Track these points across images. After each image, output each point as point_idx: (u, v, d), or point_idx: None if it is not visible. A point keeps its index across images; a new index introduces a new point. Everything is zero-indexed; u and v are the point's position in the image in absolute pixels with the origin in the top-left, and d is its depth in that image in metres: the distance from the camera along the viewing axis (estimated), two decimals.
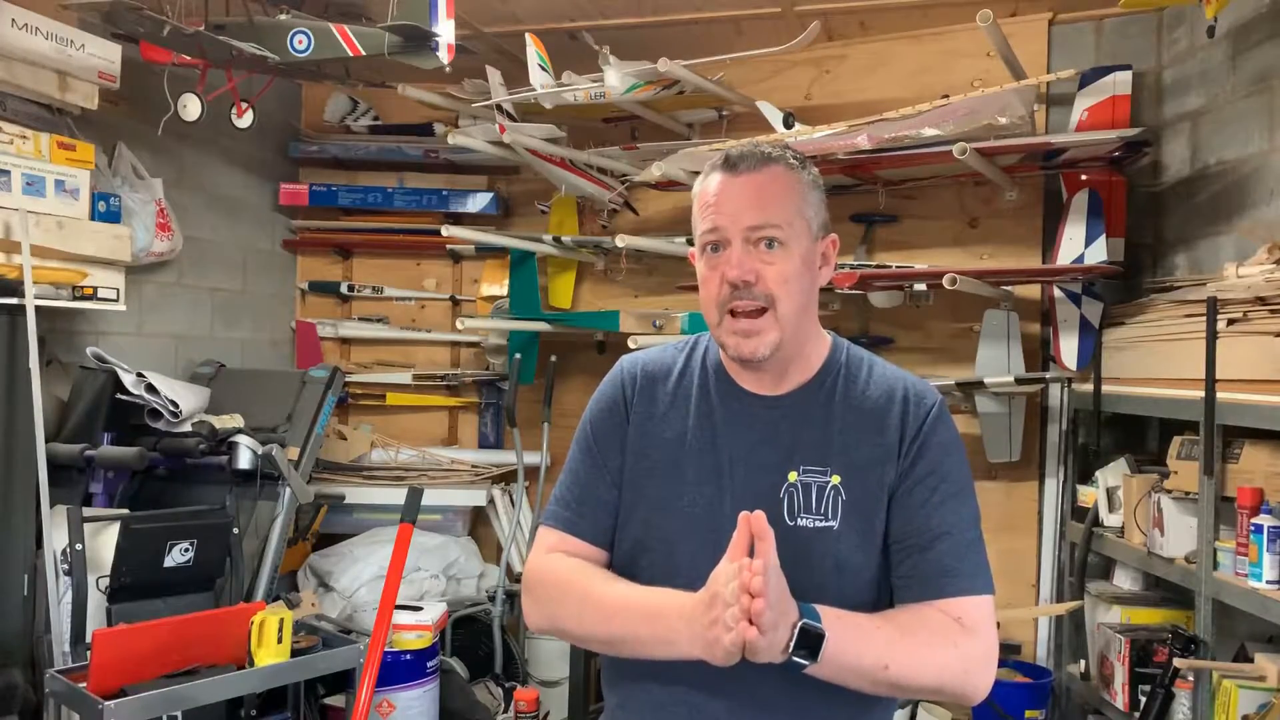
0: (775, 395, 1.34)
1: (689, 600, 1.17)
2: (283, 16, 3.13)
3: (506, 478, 4.17)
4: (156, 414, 3.08)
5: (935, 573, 1.25)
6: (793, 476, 1.28)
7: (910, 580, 1.26)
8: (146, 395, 3.07)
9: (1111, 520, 2.96)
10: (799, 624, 1.11)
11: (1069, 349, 3.24)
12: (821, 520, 1.27)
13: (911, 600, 1.26)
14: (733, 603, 1.08)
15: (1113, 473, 3.00)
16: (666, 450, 1.34)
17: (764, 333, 1.27)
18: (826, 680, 1.18)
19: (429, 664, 3.18)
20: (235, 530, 2.87)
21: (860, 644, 1.17)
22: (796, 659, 1.12)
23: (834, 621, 1.15)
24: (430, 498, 3.35)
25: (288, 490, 3.08)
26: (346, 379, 3.92)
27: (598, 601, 1.28)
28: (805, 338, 1.34)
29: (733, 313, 1.28)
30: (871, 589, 1.29)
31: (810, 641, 1.12)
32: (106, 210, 3.08)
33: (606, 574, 1.33)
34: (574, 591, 1.31)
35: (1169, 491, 2.60)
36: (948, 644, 1.22)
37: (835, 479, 1.28)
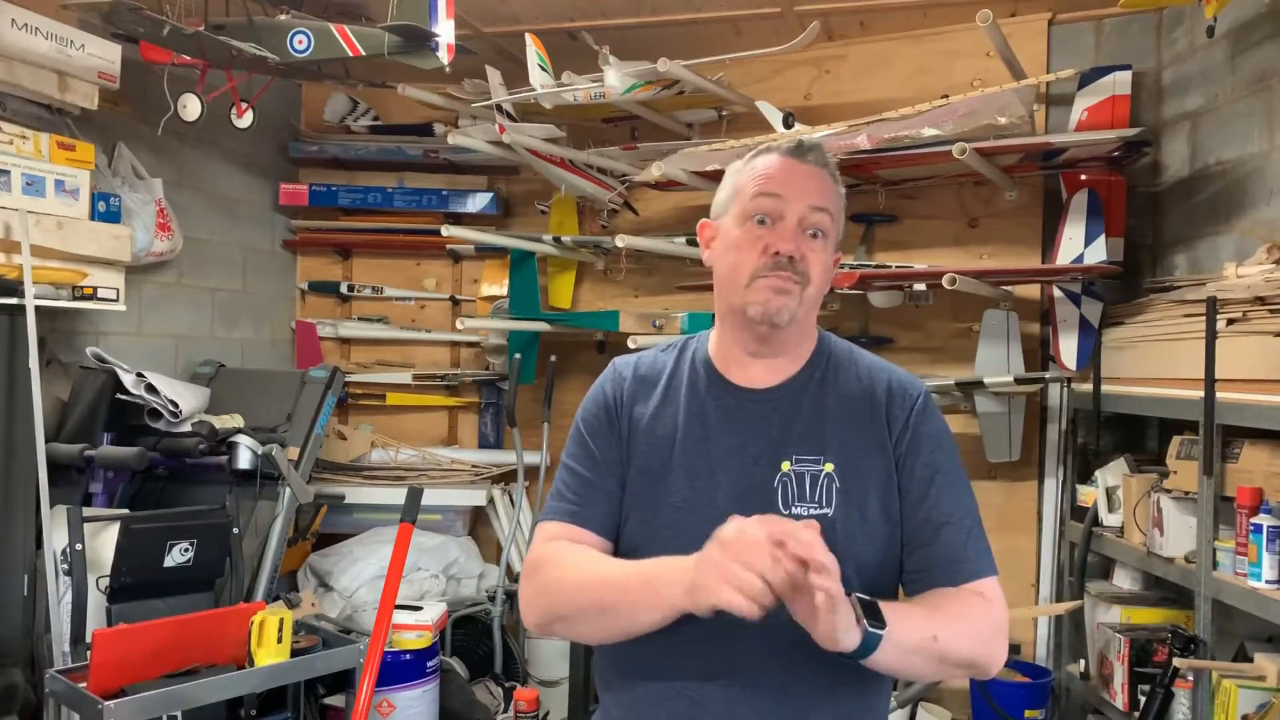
0: (765, 388, 1.36)
1: (690, 557, 1.15)
2: (283, 16, 3.13)
3: (506, 478, 4.18)
4: (156, 414, 3.08)
5: (944, 562, 1.28)
6: (785, 466, 1.30)
7: (920, 574, 1.29)
8: (146, 395, 3.07)
9: (1111, 520, 2.96)
10: (852, 596, 1.11)
11: (1068, 349, 3.24)
12: (816, 508, 1.28)
13: (925, 590, 1.28)
14: (755, 551, 1.06)
15: (1112, 472, 3.00)
16: (659, 450, 1.35)
17: (793, 295, 1.29)
18: (886, 666, 1.17)
19: (429, 664, 3.19)
20: (235, 530, 2.87)
21: (906, 616, 1.17)
22: (872, 629, 1.10)
23: (877, 598, 1.16)
24: (430, 498, 3.35)
25: (288, 490, 3.08)
26: (346, 379, 3.92)
27: (594, 573, 1.27)
28: (806, 330, 1.38)
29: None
30: (871, 578, 1.30)
31: (873, 611, 1.12)
32: (106, 210, 3.08)
33: (610, 557, 1.33)
34: (573, 568, 1.29)
35: (1168, 491, 2.60)
36: (975, 614, 1.25)
37: (828, 467, 1.30)
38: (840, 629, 1.08)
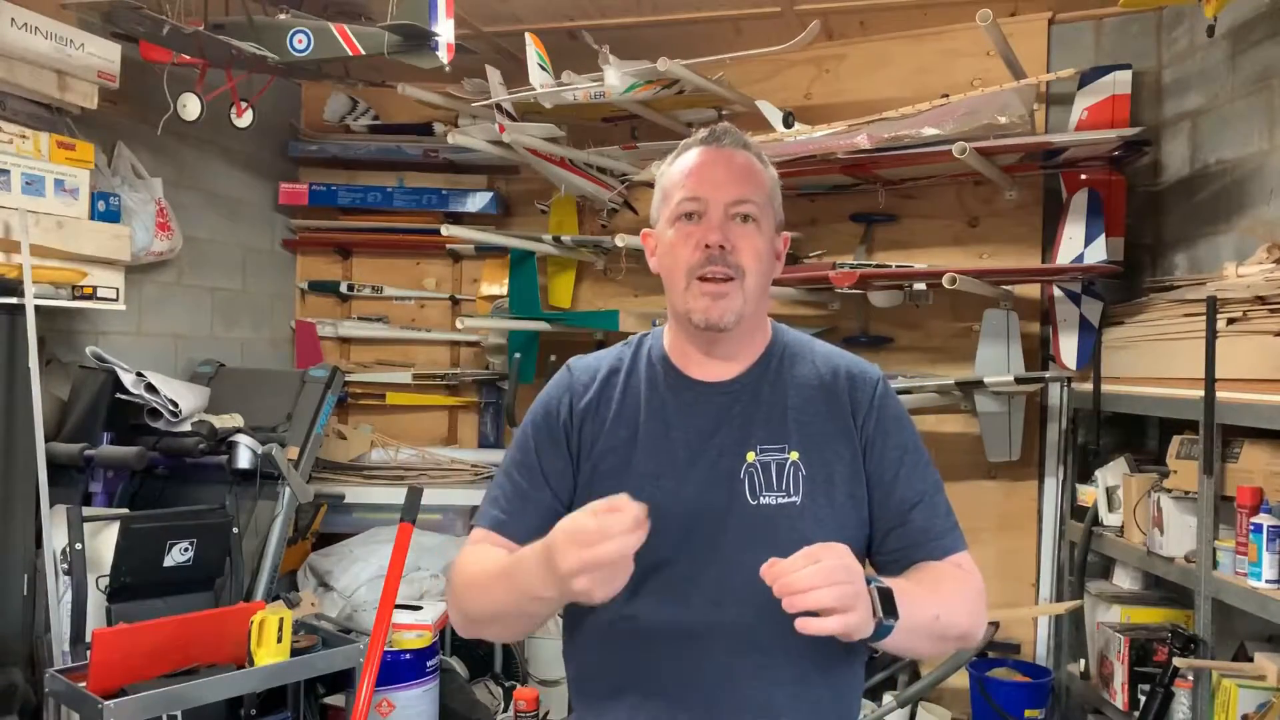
0: (724, 381, 1.37)
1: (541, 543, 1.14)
2: (282, 16, 3.14)
3: None
4: (156, 414, 3.08)
5: (924, 539, 1.31)
6: (750, 456, 1.31)
7: (900, 552, 1.31)
8: (146, 395, 3.07)
9: (1111, 520, 2.96)
10: (871, 587, 1.11)
11: (1069, 348, 3.24)
12: (784, 496, 1.29)
13: (906, 567, 1.30)
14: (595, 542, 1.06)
15: (1112, 472, 3.00)
16: (621, 450, 1.35)
17: (732, 297, 1.30)
18: (895, 648, 1.18)
19: (429, 663, 3.18)
20: (235, 530, 2.86)
21: (912, 598, 1.17)
22: (887, 622, 1.11)
23: (887, 580, 1.16)
24: (430, 497, 3.34)
25: (287, 490, 3.08)
26: (346, 378, 3.91)
27: (485, 575, 1.28)
28: (758, 321, 1.39)
29: (702, 279, 1.30)
30: None
31: (888, 599, 1.13)
32: (106, 210, 3.08)
33: (499, 554, 1.31)
34: (471, 571, 1.31)
35: (1169, 491, 2.60)
36: (965, 588, 1.29)
37: (793, 455, 1.31)
38: (860, 629, 1.08)
